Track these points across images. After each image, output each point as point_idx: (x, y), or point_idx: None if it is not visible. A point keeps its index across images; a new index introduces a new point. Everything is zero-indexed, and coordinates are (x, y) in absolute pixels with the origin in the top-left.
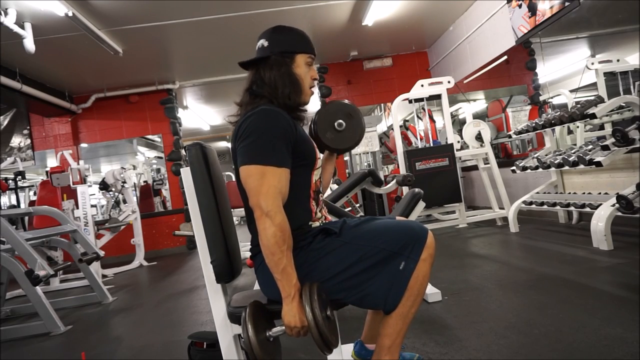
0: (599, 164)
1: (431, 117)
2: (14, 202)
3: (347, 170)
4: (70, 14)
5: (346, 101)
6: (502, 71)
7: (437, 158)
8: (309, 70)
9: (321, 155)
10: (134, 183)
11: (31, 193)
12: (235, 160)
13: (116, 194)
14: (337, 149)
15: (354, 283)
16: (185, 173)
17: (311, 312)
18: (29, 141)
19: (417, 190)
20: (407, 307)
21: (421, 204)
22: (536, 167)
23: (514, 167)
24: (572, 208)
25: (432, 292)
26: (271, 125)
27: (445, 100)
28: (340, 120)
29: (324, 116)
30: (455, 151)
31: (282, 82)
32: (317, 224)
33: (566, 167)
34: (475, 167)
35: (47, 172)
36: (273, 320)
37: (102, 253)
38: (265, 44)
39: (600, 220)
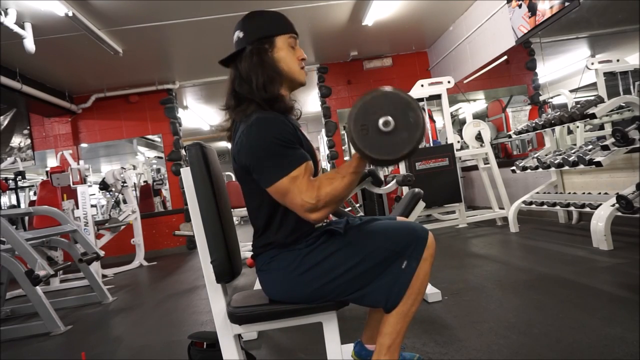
0: (599, 164)
1: (431, 117)
2: (14, 202)
3: None
4: (70, 14)
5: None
6: (502, 71)
7: (437, 158)
8: (294, 51)
9: (321, 160)
10: (134, 183)
11: (31, 193)
12: (235, 170)
13: (116, 194)
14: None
15: (357, 282)
16: (185, 173)
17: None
18: (29, 141)
19: (417, 190)
20: (408, 306)
21: (421, 204)
22: (536, 167)
23: (514, 167)
24: (572, 208)
25: (432, 292)
26: (271, 134)
27: (445, 100)
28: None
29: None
30: (455, 151)
31: (255, 73)
32: (320, 224)
33: (566, 167)
34: (475, 167)
35: (47, 172)
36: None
37: (102, 253)
38: (241, 34)
39: (600, 220)
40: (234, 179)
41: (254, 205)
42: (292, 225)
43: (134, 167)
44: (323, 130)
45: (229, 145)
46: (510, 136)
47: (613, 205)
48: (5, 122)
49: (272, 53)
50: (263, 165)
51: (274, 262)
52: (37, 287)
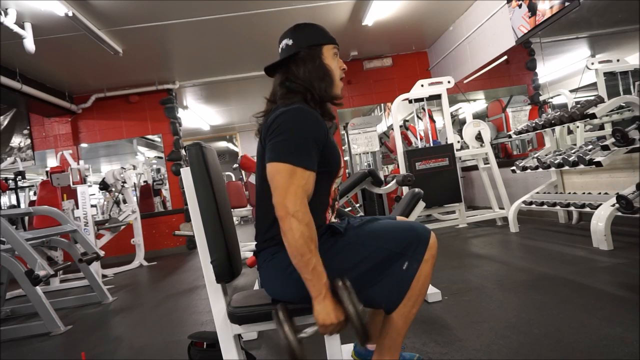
0: (599, 164)
1: (431, 117)
2: (14, 202)
3: (347, 170)
4: (70, 14)
5: None
6: (502, 71)
7: (437, 158)
8: (336, 60)
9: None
10: (134, 183)
11: (31, 193)
12: (260, 155)
13: (116, 194)
14: None
15: (357, 282)
16: (185, 173)
17: (353, 307)
18: (29, 141)
19: (417, 190)
20: (409, 307)
21: (421, 204)
22: (536, 167)
23: (514, 167)
24: (572, 208)
25: (432, 292)
26: (306, 126)
27: (445, 100)
28: None
29: None
30: (455, 151)
31: (317, 75)
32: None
33: (566, 167)
34: (475, 167)
35: (47, 172)
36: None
37: (102, 253)
38: (290, 42)
39: (600, 220)
40: (233, 178)
41: (269, 195)
42: None
43: (134, 167)
44: None
45: (229, 145)
46: (510, 136)
47: (613, 205)
48: (5, 122)
49: (323, 60)
50: (281, 143)
51: (274, 259)
52: (37, 287)
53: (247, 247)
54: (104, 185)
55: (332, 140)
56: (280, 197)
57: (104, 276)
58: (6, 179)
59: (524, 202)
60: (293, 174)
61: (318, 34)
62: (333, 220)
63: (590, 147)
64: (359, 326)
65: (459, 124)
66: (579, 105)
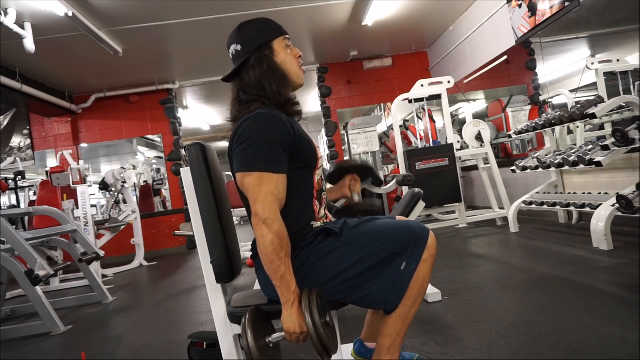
0: (599, 164)
1: (431, 117)
2: (14, 202)
3: None
4: (70, 14)
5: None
6: (502, 71)
7: (437, 158)
8: (290, 51)
9: (322, 155)
10: (134, 183)
11: (31, 193)
12: (232, 165)
13: (116, 194)
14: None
15: (355, 283)
16: (185, 173)
17: (310, 319)
18: (29, 141)
19: (417, 190)
20: (408, 308)
21: (421, 204)
22: (536, 167)
23: (514, 167)
24: (572, 208)
25: (432, 292)
26: (267, 130)
27: (445, 100)
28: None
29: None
30: (455, 151)
31: (267, 79)
32: (318, 223)
33: (566, 167)
34: (475, 167)
35: (47, 172)
36: (272, 323)
37: (102, 253)
38: (238, 47)
39: (600, 220)
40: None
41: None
42: (288, 223)
43: (134, 167)
44: (323, 130)
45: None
46: (510, 136)
47: (613, 205)
48: (5, 122)
49: (274, 58)
50: (245, 151)
51: None
52: (37, 287)
53: (247, 247)
54: (104, 185)
55: (302, 134)
56: (252, 205)
57: (104, 276)
58: (6, 179)
59: (524, 202)
60: (261, 180)
61: (264, 30)
62: (322, 213)
63: (590, 147)
64: (315, 341)
65: (459, 124)
66: (579, 105)
